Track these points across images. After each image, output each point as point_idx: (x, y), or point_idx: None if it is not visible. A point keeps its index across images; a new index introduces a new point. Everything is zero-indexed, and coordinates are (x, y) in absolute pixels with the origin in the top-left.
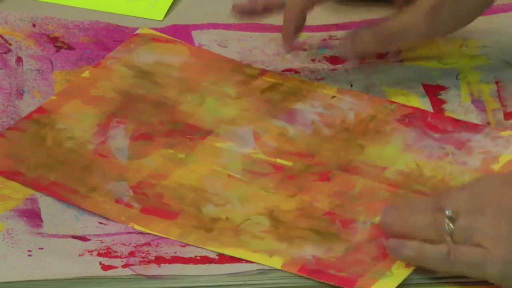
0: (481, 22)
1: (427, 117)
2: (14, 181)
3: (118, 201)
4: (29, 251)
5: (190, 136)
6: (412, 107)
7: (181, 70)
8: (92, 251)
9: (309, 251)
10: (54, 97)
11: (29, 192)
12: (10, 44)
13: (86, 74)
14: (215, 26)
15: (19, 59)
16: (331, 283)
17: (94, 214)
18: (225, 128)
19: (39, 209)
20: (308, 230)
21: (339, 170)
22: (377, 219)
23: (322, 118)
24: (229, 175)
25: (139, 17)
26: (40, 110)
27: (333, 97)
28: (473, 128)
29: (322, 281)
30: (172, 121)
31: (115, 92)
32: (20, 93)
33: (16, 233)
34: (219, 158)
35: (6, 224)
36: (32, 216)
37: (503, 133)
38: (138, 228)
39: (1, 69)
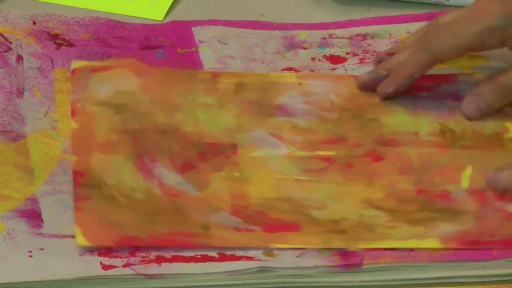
0: None
1: None
2: (132, 246)
3: (237, 229)
4: (30, 251)
5: (222, 154)
6: None
7: (144, 92)
8: (92, 251)
9: (447, 227)
10: (74, 157)
11: (29, 192)
12: (11, 43)
13: (73, 125)
14: (215, 22)
15: (19, 57)
16: (495, 247)
17: None
18: (242, 137)
19: (39, 209)
20: (425, 211)
21: (380, 146)
22: (465, 185)
23: (312, 105)
24: (296, 179)
25: (139, 17)
26: (77, 174)
27: (299, 83)
28: (447, 78)
29: (488, 247)
30: (191, 144)
31: (115, 133)
32: (20, 92)
33: (16, 233)
34: (269, 166)
35: (7, 225)
36: (33, 216)
37: (476, 75)
38: (279, 246)
39: (1, 67)
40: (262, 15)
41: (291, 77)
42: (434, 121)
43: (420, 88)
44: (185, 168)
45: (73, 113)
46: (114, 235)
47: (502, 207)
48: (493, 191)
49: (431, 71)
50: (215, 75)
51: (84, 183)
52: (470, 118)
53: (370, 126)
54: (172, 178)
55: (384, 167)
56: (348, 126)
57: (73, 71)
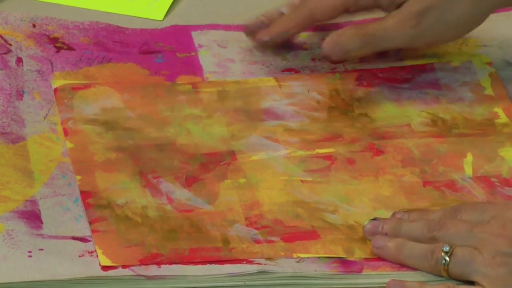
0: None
1: (376, 73)
2: (158, 264)
3: (256, 241)
4: (29, 252)
5: (223, 162)
6: (355, 70)
7: (130, 109)
8: (92, 252)
9: None
10: (79, 177)
11: (29, 194)
12: (10, 45)
13: (69, 145)
14: (215, 26)
15: (19, 60)
16: None
17: None
18: (239, 144)
19: (39, 210)
20: (438, 206)
21: (377, 139)
22: (470, 172)
23: (298, 106)
24: (302, 180)
25: (139, 17)
26: (85, 194)
27: (280, 86)
28: (423, 68)
29: None
30: (190, 157)
31: (112, 151)
32: (20, 94)
33: (16, 234)
34: (273, 168)
35: (6, 225)
36: (32, 217)
37: (453, 64)
38: (304, 256)
39: (1, 69)
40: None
41: (270, 81)
42: (422, 111)
43: (400, 80)
44: (190, 181)
45: (65, 133)
46: (137, 253)
47: (510, 193)
48: (497, 177)
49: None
50: (194, 86)
51: (95, 204)
52: (330, 59)
53: (362, 122)
54: (179, 192)
55: (386, 160)
56: (340, 124)
57: (55, 90)
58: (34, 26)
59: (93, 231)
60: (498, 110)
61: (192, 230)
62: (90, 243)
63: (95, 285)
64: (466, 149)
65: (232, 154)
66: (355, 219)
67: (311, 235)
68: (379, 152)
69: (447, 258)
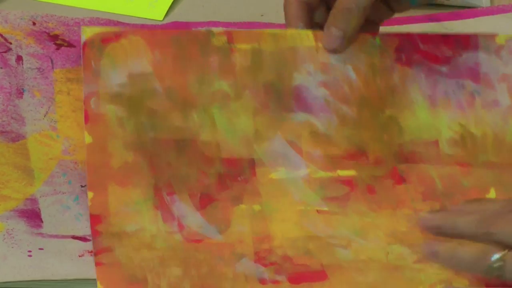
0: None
1: (417, 43)
2: None
3: (262, 281)
4: (29, 251)
5: (240, 178)
6: (396, 34)
7: (158, 78)
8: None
9: None
10: (91, 194)
11: (29, 192)
12: (10, 43)
13: (88, 139)
14: (215, 24)
15: (19, 58)
16: None
17: None
18: (261, 151)
19: (39, 209)
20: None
21: (401, 163)
22: None
23: (330, 90)
24: (318, 211)
25: (139, 17)
26: (95, 219)
27: (316, 49)
28: (466, 42)
29: None
30: (208, 163)
31: (131, 150)
32: (20, 92)
33: (16, 233)
34: (290, 194)
35: (6, 225)
36: (32, 216)
37: (498, 40)
38: None
39: (1, 68)
40: (262, 15)
41: (308, 36)
42: (454, 120)
43: (440, 59)
44: (204, 202)
45: (86, 118)
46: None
47: None
48: None
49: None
50: (230, 38)
51: (104, 232)
52: (333, 51)
53: (390, 132)
54: (192, 218)
55: (407, 192)
56: (368, 133)
57: (84, 46)
58: (34, 24)
59: (96, 264)
60: None
61: (200, 266)
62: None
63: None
64: (490, 183)
65: (252, 164)
66: (367, 254)
67: (318, 275)
68: (401, 180)
69: (500, 266)
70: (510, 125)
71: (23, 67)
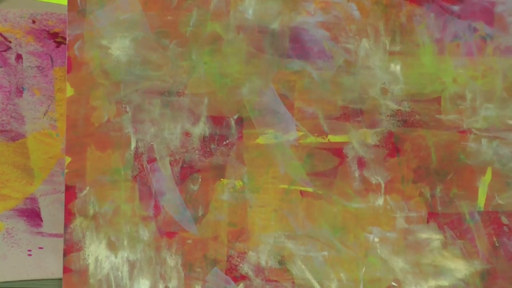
0: None
1: None
2: None
3: None
4: (29, 250)
5: (226, 142)
6: None
7: (148, 17)
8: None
9: None
10: (68, 159)
11: (28, 191)
12: (10, 42)
13: (69, 91)
14: None
15: (18, 57)
16: None
17: None
18: (250, 105)
19: (38, 208)
20: (429, 263)
21: (397, 126)
22: (482, 204)
23: (331, 32)
24: (301, 192)
25: None
26: (70, 193)
27: None
28: None
29: None
30: (193, 121)
31: (113, 102)
32: (20, 91)
33: (16, 232)
34: (275, 165)
35: (6, 224)
36: (32, 215)
37: None
38: None
39: (1, 67)
40: None
41: None
42: (461, 71)
43: None
44: (185, 172)
45: (69, 66)
46: None
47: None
48: (508, 215)
49: None
50: None
51: (77, 214)
52: None
53: (390, 84)
54: (169, 195)
55: (398, 167)
56: (367, 84)
57: None
58: (33, 22)
59: (64, 270)
60: None
61: (167, 279)
62: None
63: None
64: (488, 161)
65: (239, 124)
66: (341, 271)
67: None
68: (394, 151)
69: None
70: None
71: (22, 66)
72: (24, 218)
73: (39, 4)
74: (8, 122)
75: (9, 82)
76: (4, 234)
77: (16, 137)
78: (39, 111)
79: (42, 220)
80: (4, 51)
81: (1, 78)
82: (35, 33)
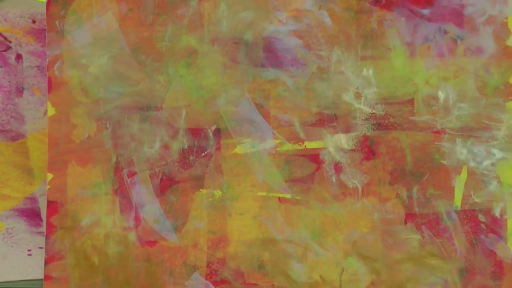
0: None
1: None
2: None
3: None
4: (29, 250)
5: (205, 153)
6: None
7: (125, 35)
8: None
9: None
10: (50, 175)
11: (28, 191)
12: (10, 42)
13: (50, 111)
14: None
15: (18, 57)
16: None
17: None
18: (227, 116)
19: (38, 208)
20: (409, 262)
21: (372, 129)
22: (458, 203)
23: (303, 40)
24: (280, 199)
25: None
26: (52, 208)
27: None
28: None
29: None
30: (172, 134)
31: (94, 120)
32: (20, 91)
33: (16, 232)
34: (253, 173)
35: (6, 224)
36: (32, 215)
37: None
38: None
39: (1, 67)
40: None
41: None
42: (432, 73)
43: (421, 0)
44: (165, 184)
45: (49, 86)
46: None
47: (492, 246)
48: (486, 213)
49: None
50: None
51: (58, 226)
52: None
53: (363, 90)
54: (150, 207)
55: (374, 169)
56: (340, 90)
57: (48, 4)
58: (34, 22)
59: (46, 277)
60: None
61: (147, 282)
62: None
63: None
64: (463, 160)
65: (216, 135)
66: (321, 273)
67: None
68: (370, 154)
69: None
70: (492, 74)
71: (22, 66)
72: (24, 218)
73: (39, 4)
74: (8, 122)
75: (9, 82)
76: (4, 234)
77: (16, 137)
78: (39, 111)
79: (42, 220)
80: (4, 51)
81: (1, 78)
82: (35, 33)
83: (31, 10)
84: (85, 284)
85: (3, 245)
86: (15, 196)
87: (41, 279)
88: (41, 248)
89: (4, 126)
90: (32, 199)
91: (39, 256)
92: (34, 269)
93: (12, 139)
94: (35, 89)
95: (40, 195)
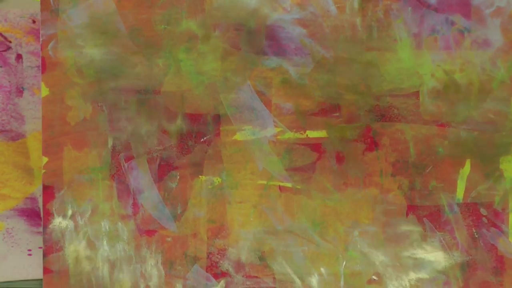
0: None
1: None
2: None
3: None
4: (29, 250)
5: (204, 139)
6: None
7: (122, 15)
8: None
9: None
10: (45, 159)
11: (28, 191)
12: (10, 42)
13: (44, 92)
14: None
15: (19, 57)
16: None
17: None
18: (227, 102)
19: (38, 208)
20: (410, 257)
21: (376, 120)
22: (460, 196)
23: (307, 29)
24: (280, 187)
25: None
26: (48, 193)
27: None
28: None
29: None
30: (170, 119)
31: (89, 101)
32: (20, 91)
33: (16, 232)
34: (253, 161)
35: (6, 223)
36: (32, 215)
37: None
38: None
39: (1, 67)
40: None
41: None
42: (439, 65)
43: None
44: (163, 170)
45: (43, 66)
46: None
47: (493, 240)
48: (487, 206)
49: None
50: None
51: (55, 213)
52: None
53: (368, 81)
54: (148, 193)
55: (377, 161)
56: (344, 81)
57: None
58: (34, 22)
59: (45, 270)
60: None
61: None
62: None
63: None
64: (466, 153)
65: (216, 121)
66: (322, 265)
67: None
68: (372, 145)
69: None
70: (498, 68)
71: (23, 66)
72: (24, 218)
73: (39, 4)
74: (8, 122)
75: (9, 82)
76: (4, 234)
77: (16, 137)
78: (39, 111)
79: (42, 220)
80: (4, 51)
81: (1, 78)
82: (35, 33)
83: (31, 10)
84: (83, 275)
85: (3, 245)
86: (15, 196)
87: (41, 279)
88: (41, 248)
89: (4, 126)
90: (32, 199)
91: (39, 256)
92: (34, 269)
93: (12, 139)
94: (35, 89)
95: (40, 195)
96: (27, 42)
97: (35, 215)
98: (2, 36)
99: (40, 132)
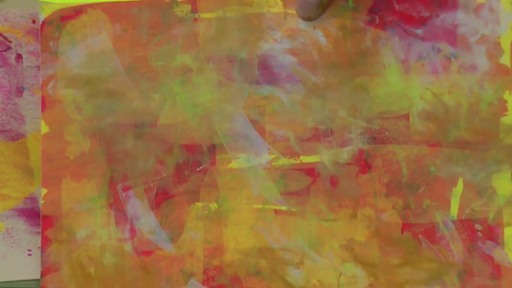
0: None
1: (392, 4)
2: None
3: None
4: (29, 250)
5: (199, 168)
6: None
7: (119, 53)
8: None
9: None
10: (45, 190)
11: (28, 191)
12: (10, 42)
13: (44, 129)
14: None
15: (18, 56)
16: None
17: None
18: (222, 132)
19: (38, 208)
20: (407, 266)
21: (368, 143)
22: (455, 214)
23: (298, 57)
24: (275, 211)
25: None
26: (47, 222)
27: (285, 16)
28: (444, 2)
29: None
30: (167, 150)
31: (87, 136)
32: (20, 91)
33: (16, 232)
34: (249, 187)
35: (6, 223)
36: (32, 215)
37: None
38: None
39: (1, 67)
40: None
41: (277, 3)
42: (427, 88)
43: (415, 20)
44: (160, 198)
45: (43, 105)
46: None
47: (489, 251)
48: (482, 222)
49: None
50: (194, 8)
51: (53, 240)
52: (307, 18)
53: (358, 105)
54: (145, 219)
55: (370, 182)
56: (335, 106)
57: (42, 25)
58: (34, 22)
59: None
60: (509, 97)
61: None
62: None
63: None
64: (458, 172)
65: (212, 150)
66: (318, 277)
67: None
68: (366, 167)
69: None
70: (486, 90)
71: (22, 66)
72: (24, 218)
73: (39, 4)
74: (8, 122)
75: (9, 82)
76: (4, 234)
77: (16, 137)
78: (39, 111)
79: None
80: (4, 51)
81: (1, 78)
82: (35, 33)
83: (31, 10)
84: None
85: (3, 245)
86: (15, 196)
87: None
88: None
89: (4, 126)
90: (32, 199)
91: (39, 256)
92: (34, 269)
93: (12, 139)
94: (35, 89)
95: (40, 195)
96: (27, 42)
97: (35, 215)
98: (2, 36)
99: (40, 131)
